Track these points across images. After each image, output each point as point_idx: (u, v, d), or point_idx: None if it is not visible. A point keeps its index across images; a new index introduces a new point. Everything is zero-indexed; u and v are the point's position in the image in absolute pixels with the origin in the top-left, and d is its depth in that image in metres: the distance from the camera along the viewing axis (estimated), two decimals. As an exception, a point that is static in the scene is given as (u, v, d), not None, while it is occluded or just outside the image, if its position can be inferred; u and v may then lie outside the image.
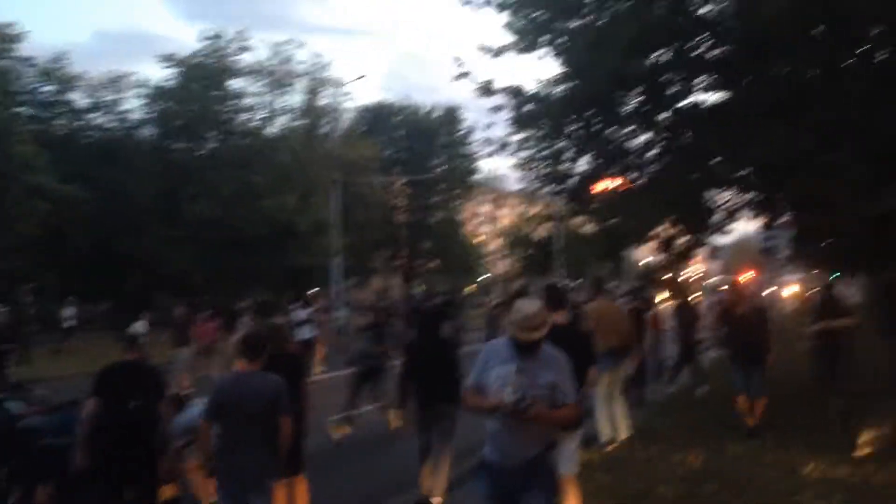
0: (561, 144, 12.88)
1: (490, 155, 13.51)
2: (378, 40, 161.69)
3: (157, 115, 33.60)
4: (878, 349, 11.71)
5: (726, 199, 12.17)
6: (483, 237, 67.35)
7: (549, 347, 3.94)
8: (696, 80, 10.77)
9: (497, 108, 12.57)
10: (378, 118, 47.03)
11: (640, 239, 12.27)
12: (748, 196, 12.22)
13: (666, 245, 11.75)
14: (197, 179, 31.45)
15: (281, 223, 30.96)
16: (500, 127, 13.19)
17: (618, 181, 12.79)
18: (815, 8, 8.19)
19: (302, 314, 18.60)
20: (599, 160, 12.94)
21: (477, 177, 52.59)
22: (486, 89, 12.25)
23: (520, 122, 12.44)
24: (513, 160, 13.56)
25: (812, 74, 8.88)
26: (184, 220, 30.79)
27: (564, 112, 12.09)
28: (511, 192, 79.79)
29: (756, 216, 14.04)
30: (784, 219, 14.24)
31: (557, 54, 11.89)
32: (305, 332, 17.86)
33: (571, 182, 13.46)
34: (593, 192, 12.81)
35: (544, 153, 13.19)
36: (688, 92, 10.92)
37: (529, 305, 3.89)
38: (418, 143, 47.77)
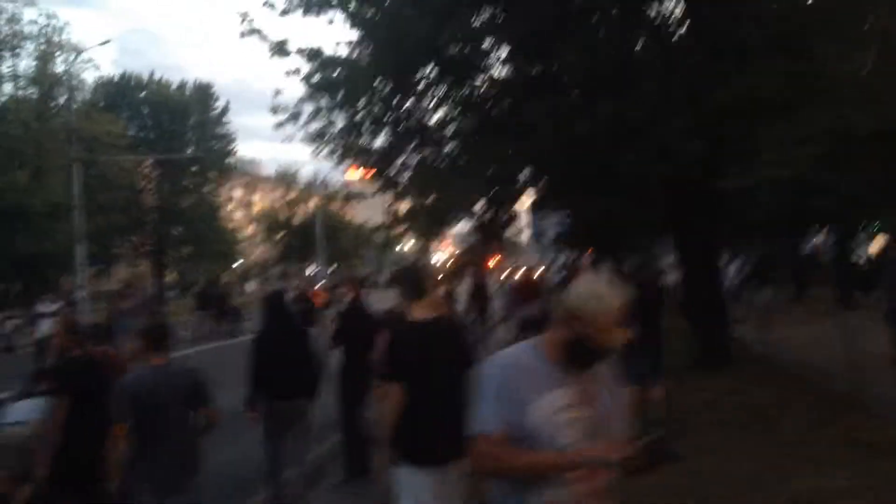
0: (360, 116, 12.38)
1: (279, 126, 12.57)
2: (107, 14, 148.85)
3: None
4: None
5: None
6: (237, 223, 64.69)
7: None
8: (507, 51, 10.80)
9: (293, 72, 11.77)
10: (121, 92, 42.85)
11: (463, 214, 12.07)
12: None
13: (482, 222, 11.68)
14: None
15: (10, 204, 26.96)
16: (290, 96, 12.41)
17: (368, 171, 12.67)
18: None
19: (48, 307, 16.38)
20: (397, 135, 12.67)
21: (231, 160, 50.14)
22: (281, 49, 11.34)
23: (318, 88, 11.73)
24: (303, 132, 12.89)
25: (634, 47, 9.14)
26: None
27: (365, 80, 11.58)
28: (266, 176, 77.95)
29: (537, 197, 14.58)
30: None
31: (351, 17, 11.37)
32: (44, 328, 15.66)
33: (370, 156, 13.05)
34: (347, 178, 12.55)
35: (342, 125, 12.64)
36: (501, 62, 10.91)
37: (609, 289, 2.39)
38: (167, 122, 44.28)
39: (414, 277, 4.29)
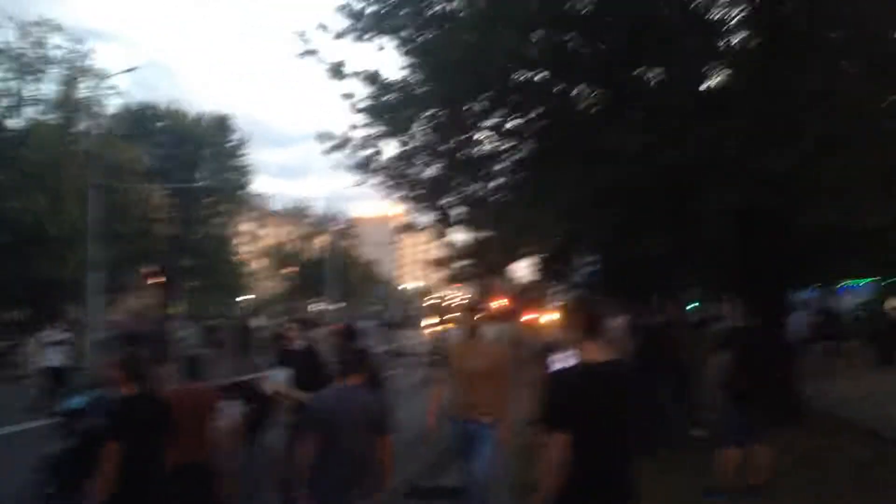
0: (414, 144, 11.91)
1: (327, 153, 12.11)
2: (123, 46, 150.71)
3: None
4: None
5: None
6: (246, 256, 64.31)
7: None
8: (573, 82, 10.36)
9: (347, 96, 11.34)
10: (139, 121, 42.63)
11: (535, 251, 11.50)
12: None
13: (549, 262, 11.12)
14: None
15: (27, 228, 26.44)
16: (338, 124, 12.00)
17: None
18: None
19: (56, 335, 15.79)
20: (451, 165, 12.18)
21: (244, 192, 49.81)
22: (338, 71, 10.94)
23: (371, 114, 11.27)
24: (352, 160, 12.43)
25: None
26: None
27: (419, 108, 11.14)
28: (275, 210, 77.84)
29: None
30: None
31: (405, 43, 10.96)
32: (55, 358, 15.03)
33: (419, 188, 12.55)
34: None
35: (393, 154, 12.17)
36: (564, 92, 10.45)
37: None
38: (183, 152, 44.00)
39: (590, 313, 3.71)
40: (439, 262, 12.13)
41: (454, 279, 12.15)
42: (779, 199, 7.68)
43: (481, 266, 11.22)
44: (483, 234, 11.56)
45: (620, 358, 3.74)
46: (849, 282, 22.80)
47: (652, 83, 9.07)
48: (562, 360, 3.96)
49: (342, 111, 12.03)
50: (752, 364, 7.14)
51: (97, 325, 27.28)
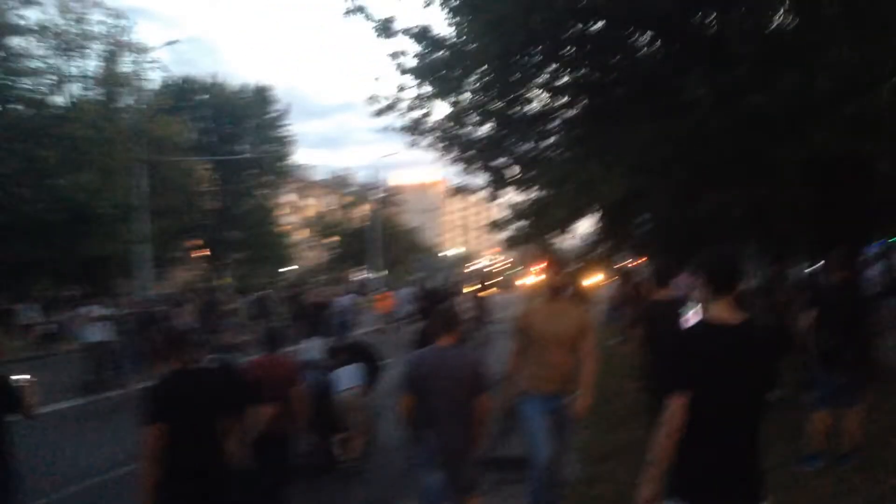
0: (464, 104, 11.49)
1: (377, 114, 11.77)
2: (160, 23, 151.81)
3: None
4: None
5: None
6: (288, 227, 64.66)
7: None
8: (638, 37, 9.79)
9: (397, 55, 10.93)
10: (181, 94, 42.72)
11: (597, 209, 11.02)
12: None
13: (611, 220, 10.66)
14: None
15: (77, 205, 26.64)
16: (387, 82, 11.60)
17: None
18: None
19: (98, 310, 15.82)
20: (504, 123, 11.74)
21: (285, 163, 49.86)
22: (387, 28, 10.50)
23: (423, 73, 10.84)
24: (402, 120, 12.06)
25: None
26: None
27: (470, 65, 10.66)
28: (318, 180, 78.02)
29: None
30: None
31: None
32: (97, 333, 15.11)
33: (470, 149, 12.15)
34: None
35: (444, 114, 11.77)
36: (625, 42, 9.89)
37: None
38: (227, 125, 44.10)
39: (723, 267, 3.30)
40: (495, 225, 11.71)
41: (512, 242, 11.75)
42: (869, 143, 7.12)
43: (541, 227, 10.76)
44: (542, 194, 11.10)
45: (752, 319, 3.32)
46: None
47: (724, 30, 8.50)
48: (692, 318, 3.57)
49: (382, 77, 11.61)
50: (837, 322, 6.65)
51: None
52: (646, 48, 10.04)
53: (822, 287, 8.05)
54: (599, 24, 9.77)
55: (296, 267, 57.44)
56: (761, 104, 6.98)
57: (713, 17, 8.95)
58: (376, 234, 50.07)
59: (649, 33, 9.70)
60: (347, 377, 7.92)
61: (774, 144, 7.40)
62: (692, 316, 3.51)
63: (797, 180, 8.68)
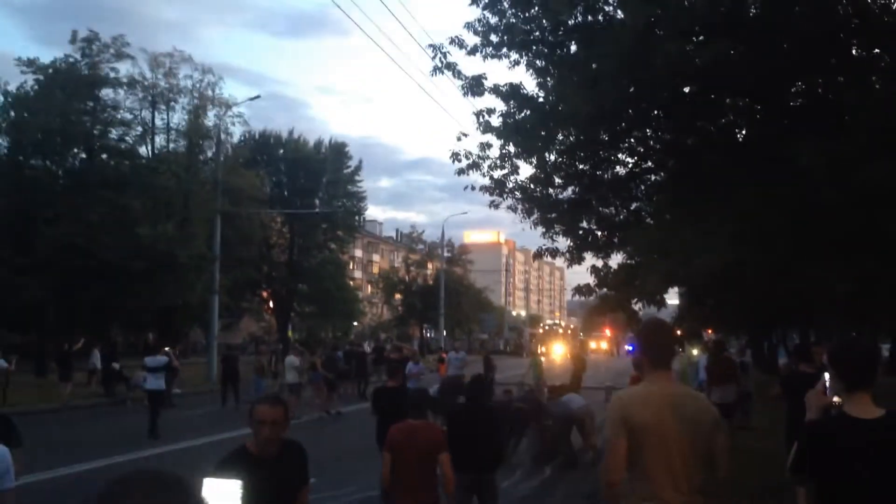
0: (551, 164, 11.16)
1: (461, 172, 11.53)
2: (241, 80, 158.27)
3: (7, 126, 29.07)
4: None
5: None
6: (356, 282, 65.08)
7: None
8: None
9: (487, 112, 10.72)
10: (259, 148, 43.83)
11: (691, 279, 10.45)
12: None
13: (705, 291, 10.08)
14: (58, 201, 27.24)
15: (157, 254, 27.20)
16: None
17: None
18: None
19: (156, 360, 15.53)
20: (589, 188, 11.36)
21: (358, 218, 50.41)
22: (477, 85, 10.32)
23: (511, 131, 10.57)
24: (485, 179, 11.79)
25: None
26: (39, 246, 26.39)
27: (562, 125, 10.33)
28: (387, 237, 78.68)
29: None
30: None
31: (546, 59, 10.20)
32: (153, 382, 14.96)
33: (555, 211, 11.78)
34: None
35: (534, 172, 11.45)
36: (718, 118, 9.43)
37: None
38: (300, 179, 44.88)
39: (858, 364, 2.93)
40: (582, 291, 11.18)
41: (600, 308, 11.22)
42: None
43: (632, 293, 10.23)
44: (629, 261, 10.62)
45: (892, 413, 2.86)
46: None
47: (839, 96, 7.99)
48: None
49: (463, 136, 11.35)
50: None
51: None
52: (745, 113, 9.60)
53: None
54: (695, 87, 9.38)
55: (356, 323, 57.45)
56: (881, 176, 6.43)
57: (820, 82, 8.46)
58: (441, 292, 49.78)
59: (747, 99, 9.26)
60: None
61: (892, 218, 6.82)
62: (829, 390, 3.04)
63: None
